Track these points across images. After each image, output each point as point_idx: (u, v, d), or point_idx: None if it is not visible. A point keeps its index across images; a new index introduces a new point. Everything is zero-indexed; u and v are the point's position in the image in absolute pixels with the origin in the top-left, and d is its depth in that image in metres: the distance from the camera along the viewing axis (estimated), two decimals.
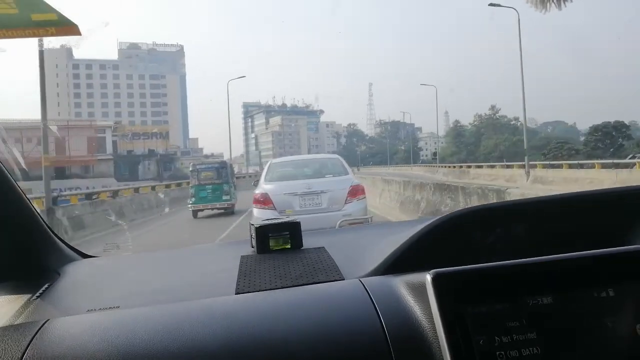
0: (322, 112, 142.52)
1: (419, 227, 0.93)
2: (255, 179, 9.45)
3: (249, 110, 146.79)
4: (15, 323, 0.86)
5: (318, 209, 6.20)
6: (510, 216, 0.96)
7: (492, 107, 76.96)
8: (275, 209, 6.15)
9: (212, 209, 15.29)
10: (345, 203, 6.26)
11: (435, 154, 60.08)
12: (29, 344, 0.72)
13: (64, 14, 1.00)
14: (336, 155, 8.46)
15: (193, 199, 15.00)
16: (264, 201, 6.30)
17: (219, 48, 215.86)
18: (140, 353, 0.70)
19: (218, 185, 15.24)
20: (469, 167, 39.96)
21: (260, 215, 6.01)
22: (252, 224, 1.18)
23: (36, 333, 0.75)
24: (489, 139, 68.96)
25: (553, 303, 0.66)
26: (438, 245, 0.90)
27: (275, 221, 1.18)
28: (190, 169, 16.46)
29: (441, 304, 0.66)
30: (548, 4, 1.37)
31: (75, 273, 1.13)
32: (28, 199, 1.07)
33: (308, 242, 1.18)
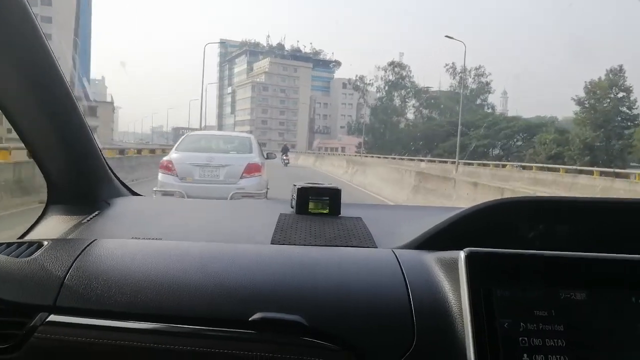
0: (338, 64, 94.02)
1: (459, 211, 0.91)
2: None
3: (229, 52, 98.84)
4: (68, 238, 0.98)
5: (215, 180, 6.87)
6: (558, 213, 0.90)
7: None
8: (177, 176, 6.84)
9: None
10: (241, 178, 6.89)
11: None
12: (77, 257, 0.81)
13: None
14: (250, 135, 8.80)
15: None
16: (168, 167, 6.92)
17: None
18: (175, 282, 0.76)
19: None
20: None
21: (163, 180, 6.87)
22: (295, 185, 1.22)
23: (84, 248, 0.84)
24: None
25: (586, 300, 0.65)
26: (476, 231, 0.88)
27: (318, 185, 1.22)
28: None
29: (470, 282, 0.66)
30: None
31: (123, 206, 1.23)
32: (93, 135, 1.15)
33: (346, 211, 1.21)
